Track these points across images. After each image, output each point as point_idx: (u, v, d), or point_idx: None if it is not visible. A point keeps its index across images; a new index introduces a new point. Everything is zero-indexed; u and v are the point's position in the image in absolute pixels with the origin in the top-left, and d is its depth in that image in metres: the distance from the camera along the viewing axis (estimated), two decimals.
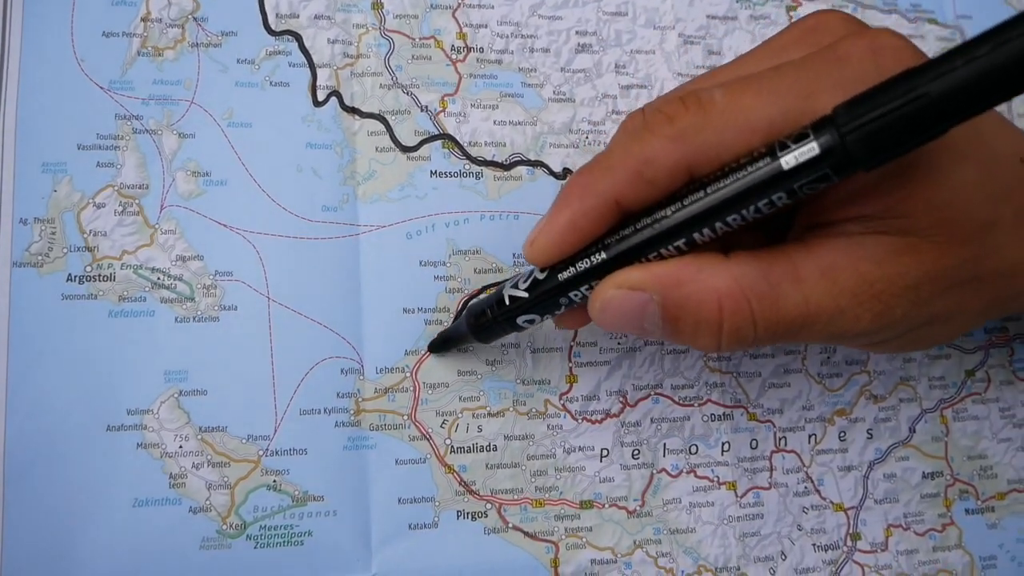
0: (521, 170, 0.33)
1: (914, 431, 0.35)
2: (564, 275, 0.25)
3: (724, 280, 0.23)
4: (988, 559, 0.34)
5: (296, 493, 0.30)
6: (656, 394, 0.33)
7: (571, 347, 0.33)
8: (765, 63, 0.24)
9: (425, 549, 0.31)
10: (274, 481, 0.30)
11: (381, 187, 0.32)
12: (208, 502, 0.30)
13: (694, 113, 0.23)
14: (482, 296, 0.29)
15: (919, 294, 0.24)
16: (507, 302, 0.27)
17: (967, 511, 0.35)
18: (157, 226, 0.31)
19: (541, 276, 0.26)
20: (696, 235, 0.23)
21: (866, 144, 0.20)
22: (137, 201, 0.31)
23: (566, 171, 0.34)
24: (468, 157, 0.33)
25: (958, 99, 0.19)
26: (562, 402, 0.32)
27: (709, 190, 0.22)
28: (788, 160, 0.21)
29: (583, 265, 0.25)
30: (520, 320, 0.27)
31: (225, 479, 0.30)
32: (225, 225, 0.31)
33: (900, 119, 0.19)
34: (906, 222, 0.23)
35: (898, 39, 0.23)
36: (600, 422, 0.32)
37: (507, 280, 0.28)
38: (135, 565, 0.29)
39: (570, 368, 0.33)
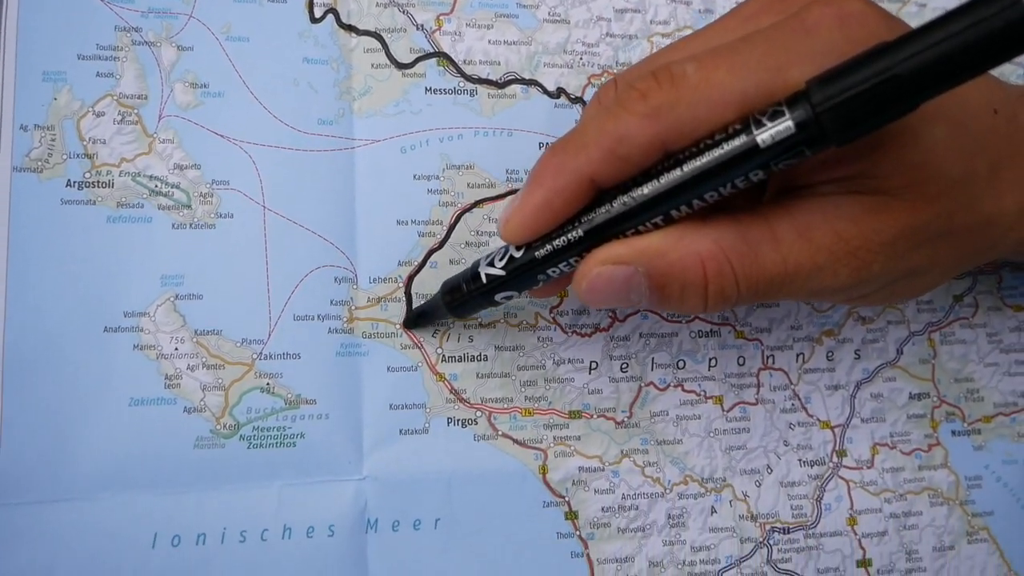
0: (515, 88, 0.34)
1: (901, 353, 0.35)
2: (541, 252, 0.25)
3: (705, 244, 0.24)
4: (974, 479, 0.35)
5: (289, 396, 0.31)
6: (645, 311, 0.33)
7: None
8: (734, 32, 0.24)
9: (415, 454, 0.31)
10: (267, 384, 0.31)
11: (376, 103, 0.33)
12: (202, 403, 0.30)
13: (667, 89, 0.23)
14: (456, 273, 0.29)
15: (895, 250, 0.24)
16: (484, 280, 0.27)
17: (953, 433, 0.35)
18: (155, 135, 0.31)
19: (517, 254, 0.26)
20: (673, 212, 0.23)
21: (840, 120, 0.20)
22: (136, 111, 0.31)
23: (560, 90, 0.34)
24: (463, 75, 0.34)
25: (930, 77, 0.19)
26: (552, 315, 0.33)
27: (686, 168, 0.23)
28: (764, 138, 0.21)
29: (560, 242, 0.25)
30: (498, 296, 0.27)
31: (219, 381, 0.30)
32: (222, 135, 0.32)
33: (873, 96, 0.20)
34: (879, 183, 0.23)
35: (864, 5, 0.23)
36: (589, 336, 0.33)
37: (482, 257, 0.28)
38: (131, 463, 0.29)
39: None
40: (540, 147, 0.34)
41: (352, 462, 0.31)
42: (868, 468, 0.34)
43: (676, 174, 0.23)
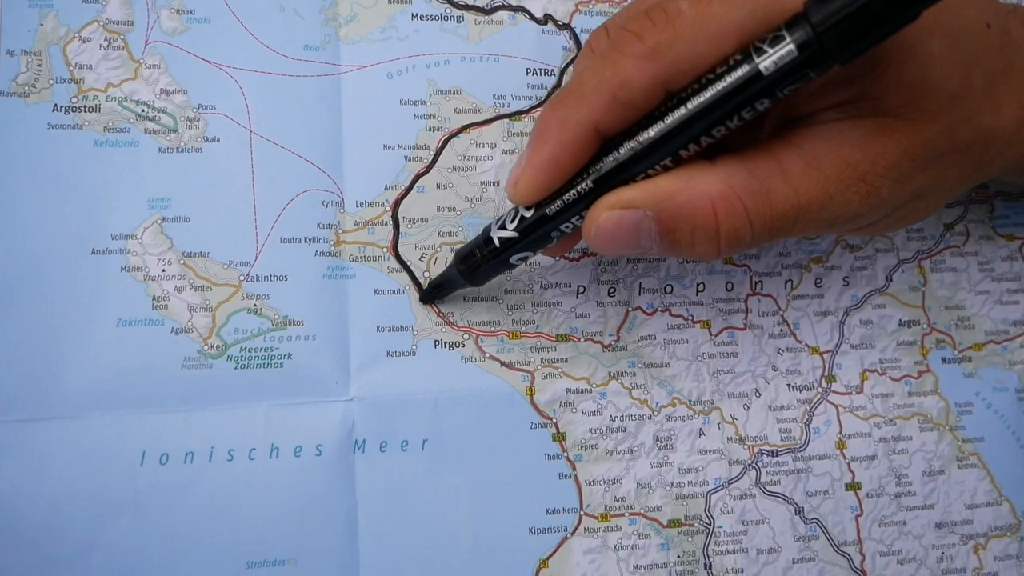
0: (502, 15, 0.34)
1: (891, 280, 0.35)
2: (552, 208, 0.25)
3: (715, 184, 0.23)
4: (964, 405, 0.34)
5: (276, 317, 0.31)
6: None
7: None
8: None
9: (403, 375, 0.31)
10: (255, 305, 0.31)
11: (363, 29, 0.33)
12: (190, 323, 0.30)
13: (663, 28, 0.22)
14: (468, 240, 0.29)
15: (901, 171, 0.24)
16: (496, 243, 0.27)
17: (944, 360, 0.35)
18: (142, 61, 0.31)
19: (528, 213, 0.26)
20: (682, 151, 0.23)
21: (842, 38, 0.20)
22: (122, 36, 0.32)
23: (547, 17, 0.34)
24: (449, 1, 0.33)
25: None
26: None
27: (690, 105, 0.22)
28: (767, 65, 0.21)
29: (571, 196, 0.25)
30: (513, 259, 0.27)
31: (207, 302, 0.30)
32: (208, 61, 0.32)
33: (874, 9, 0.19)
34: (879, 103, 0.23)
35: None
36: (577, 260, 0.33)
37: (492, 221, 0.28)
38: (119, 382, 0.30)
39: None
40: (527, 73, 0.34)
41: (339, 383, 0.31)
42: (857, 394, 0.34)
43: (680, 112, 0.22)
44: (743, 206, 0.23)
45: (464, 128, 0.33)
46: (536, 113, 0.33)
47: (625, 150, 0.24)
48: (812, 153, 0.24)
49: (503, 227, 0.27)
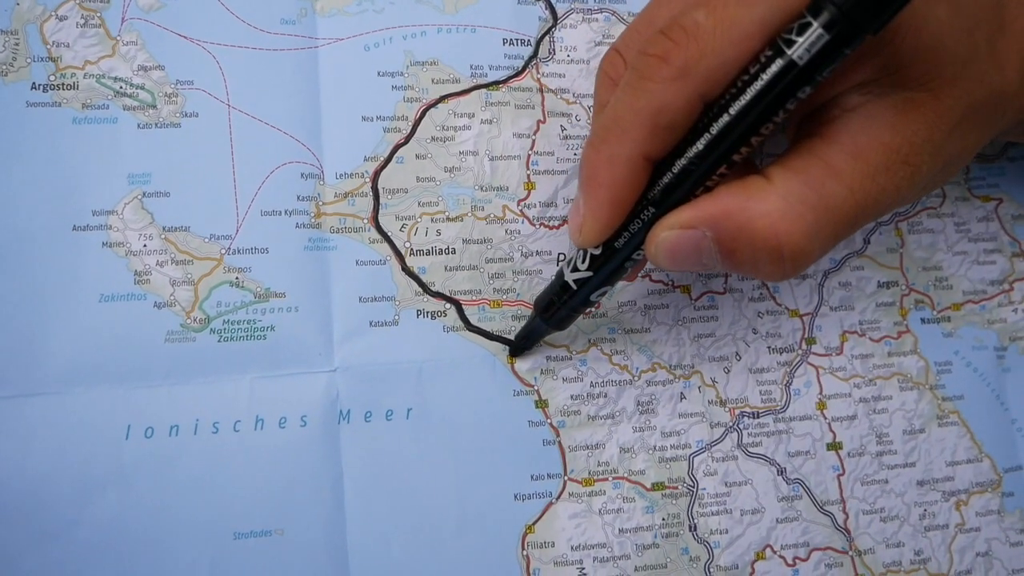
0: None
1: (868, 242, 0.35)
2: (620, 242, 0.25)
3: (774, 203, 0.23)
4: (943, 364, 0.35)
5: (258, 289, 0.31)
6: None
7: (529, 156, 0.33)
8: None
9: (386, 345, 0.31)
10: (236, 278, 0.31)
11: (339, 2, 0.33)
12: (172, 297, 0.30)
13: (686, 45, 0.22)
14: (543, 289, 0.29)
15: (934, 144, 0.24)
16: (574, 287, 0.27)
17: (923, 320, 0.35)
18: (119, 38, 0.32)
19: (597, 251, 0.26)
20: (735, 156, 0.23)
21: (869, 7, 0.20)
22: (99, 14, 0.32)
23: None
24: None
25: None
26: (520, 208, 0.33)
27: (732, 111, 0.22)
28: (800, 54, 0.21)
29: (635, 226, 0.25)
30: (593, 296, 0.27)
31: (189, 276, 0.31)
32: (185, 37, 0.32)
33: None
34: (900, 75, 0.23)
35: None
36: (557, 228, 0.33)
37: (562, 264, 0.28)
38: (102, 357, 0.30)
39: (528, 176, 0.33)
40: (504, 43, 0.34)
41: (323, 354, 0.31)
42: (837, 355, 0.34)
43: (724, 120, 0.22)
44: (805, 222, 0.23)
45: (442, 99, 0.33)
46: (513, 83, 0.34)
47: (678, 168, 0.23)
48: (855, 145, 0.24)
49: (575, 269, 0.27)
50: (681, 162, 0.23)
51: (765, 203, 0.23)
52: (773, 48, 0.21)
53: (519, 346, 0.31)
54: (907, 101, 0.24)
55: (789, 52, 0.21)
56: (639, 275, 0.33)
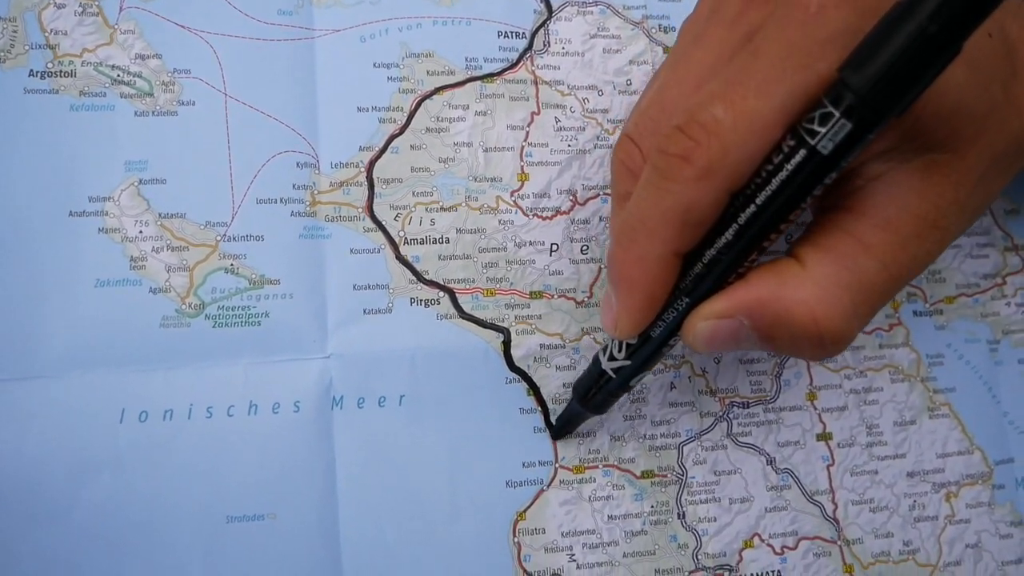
0: None
1: None
2: (656, 331, 0.25)
3: (810, 289, 0.23)
4: (935, 356, 0.35)
5: (253, 276, 0.31)
6: (605, 194, 0.34)
7: (523, 147, 0.34)
8: (728, 42, 0.24)
9: (379, 332, 0.31)
10: (231, 265, 0.31)
11: None
12: (167, 283, 0.31)
13: (707, 143, 0.22)
14: (580, 375, 0.30)
15: (959, 203, 0.24)
16: (612, 375, 0.27)
17: (915, 313, 0.35)
18: (116, 26, 0.32)
19: (633, 340, 0.26)
20: (764, 243, 0.23)
21: (889, 94, 0.19)
22: (96, 3, 0.32)
23: None
24: None
25: (963, 20, 0.18)
26: (513, 199, 0.33)
27: (759, 201, 0.22)
28: (824, 144, 0.20)
29: (669, 316, 0.25)
30: (631, 382, 0.28)
31: (184, 262, 0.31)
32: (183, 26, 0.32)
33: (912, 59, 0.19)
34: (926, 141, 0.23)
35: None
36: (550, 218, 0.33)
37: (598, 350, 0.28)
38: (98, 341, 0.30)
39: (522, 167, 0.33)
40: (499, 36, 0.34)
41: (317, 341, 0.31)
42: None
43: (751, 210, 0.22)
44: (842, 304, 0.23)
45: (437, 90, 0.33)
46: (508, 75, 0.34)
47: (708, 259, 0.24)
48: (884, 218, 0.23)
49: (612, 357, 0.27)
50: (711, 252, 0.23)
51: (801, 290, 0.23)
52: (795, 137, 0.21)
53: (561, 431, 0.32)
54: (931, 164, 0.23)
55: (812, 142, 0.21)
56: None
